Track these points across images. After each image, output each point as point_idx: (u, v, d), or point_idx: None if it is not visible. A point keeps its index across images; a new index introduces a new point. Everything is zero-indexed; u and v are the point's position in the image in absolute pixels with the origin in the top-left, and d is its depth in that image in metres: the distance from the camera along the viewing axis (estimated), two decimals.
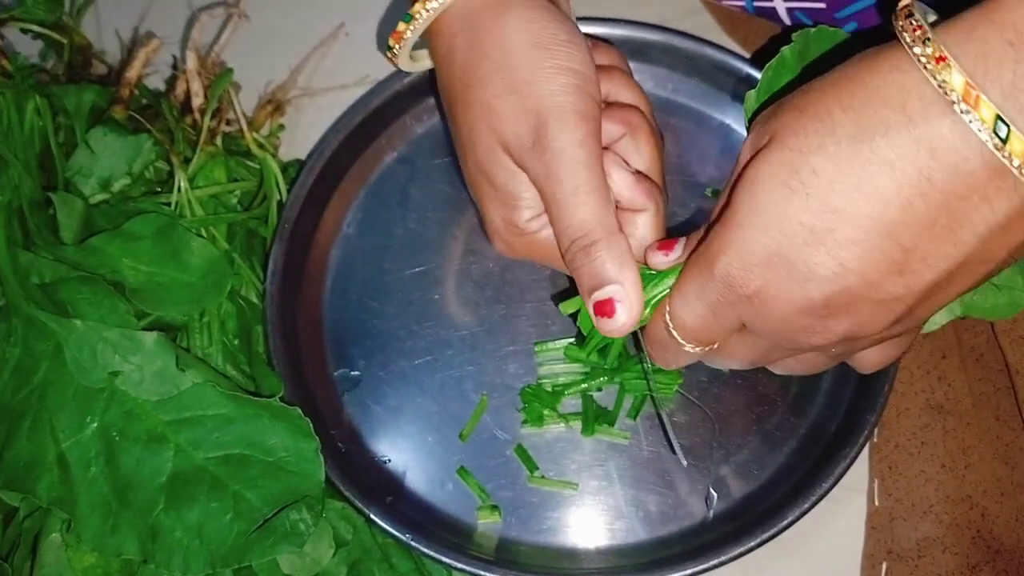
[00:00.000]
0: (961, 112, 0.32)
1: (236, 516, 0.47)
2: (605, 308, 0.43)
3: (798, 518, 0.51)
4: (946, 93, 0.33)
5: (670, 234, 0.47)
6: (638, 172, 0.47)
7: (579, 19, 0.60)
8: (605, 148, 0.46)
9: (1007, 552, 0.50)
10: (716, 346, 0.44)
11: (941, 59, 0.33)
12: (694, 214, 0.60)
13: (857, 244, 0.35)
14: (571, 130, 0.43)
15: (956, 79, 0.32)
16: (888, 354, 0.45)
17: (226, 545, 0.46)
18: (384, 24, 0.68)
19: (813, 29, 0.48)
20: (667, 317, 0.43)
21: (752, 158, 0.38)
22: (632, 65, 0.62)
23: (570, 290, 0.57)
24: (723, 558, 0.50)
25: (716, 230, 0.39)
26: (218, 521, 0.47)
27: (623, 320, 0.43)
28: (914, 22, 0.34)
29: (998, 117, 0.32)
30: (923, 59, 0.33)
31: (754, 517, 0.52)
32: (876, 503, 0.53)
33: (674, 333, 0.43)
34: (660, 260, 0.44)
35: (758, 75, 0.59)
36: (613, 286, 0.42)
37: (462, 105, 0.46)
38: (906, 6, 0.35)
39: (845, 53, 0.38)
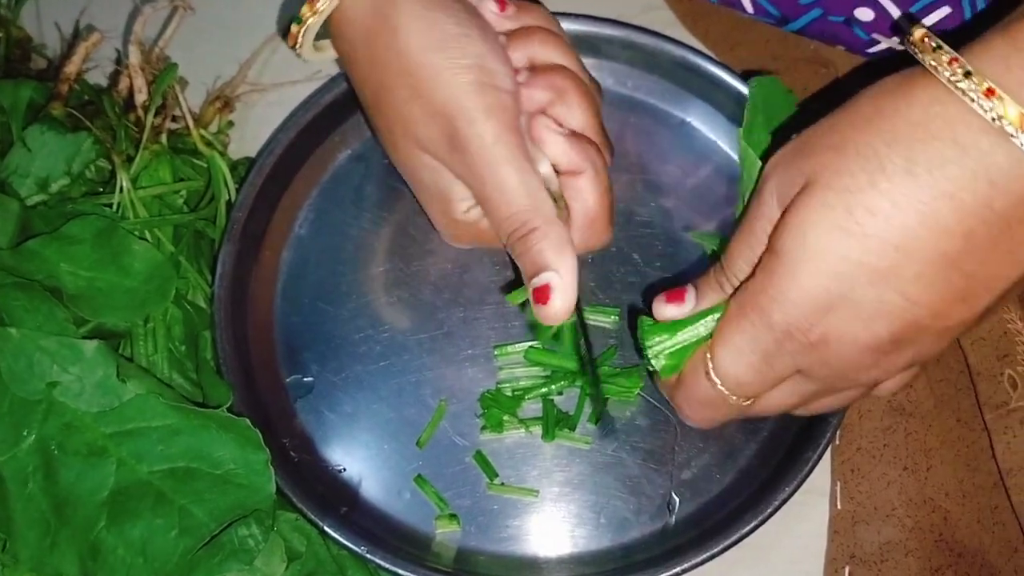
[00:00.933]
0: (1021, 143, 0.33)
1: (182, 532, 0.45)
2: (542, 294, 0.43)
3: (761, 523, 0.50)
4: (1002, 125, 0.33)
5: (666, 283, 0.46)
6: (573, 133, 0.47)
7: None
8: (538, 113, 0.46)
9: (969, 555, 0.50)
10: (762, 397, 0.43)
11: (991, 92, 0.33)
12: (670, 243, 0.58)
13: (922, 278, 0.35)
14: (482, 131, 0.43)
15: (1011, 111, 0.33)
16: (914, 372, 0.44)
17: (171, 563, 0.44)
18: None
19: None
20: (712, 374, 0.41)
21: (792, 203, 0.37)
22: (590, 61, 0.61)
23: (517, 280, 0.56)
24: (686, 564, 0.49)
25: (764, 280, 0.38)
26: (163, 538, 0.45)
27: (558, 306, 0.42)
28: (946, 54, 0.34)
29: None
30: (971, 94, 0.34)
31: (717, 522, 0.52)
32: (838, 506, 0.52)
33: (721, 388, 0.42)
34: (672, 312, 0.43)
35: (718, 72, 0.59)
36: (549, 273, 0.42)
37: (374, 111, 0.47)
38: (923, 35, 0.35)
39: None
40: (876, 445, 0.52)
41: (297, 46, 0.49)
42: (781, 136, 0.48)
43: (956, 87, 0.34)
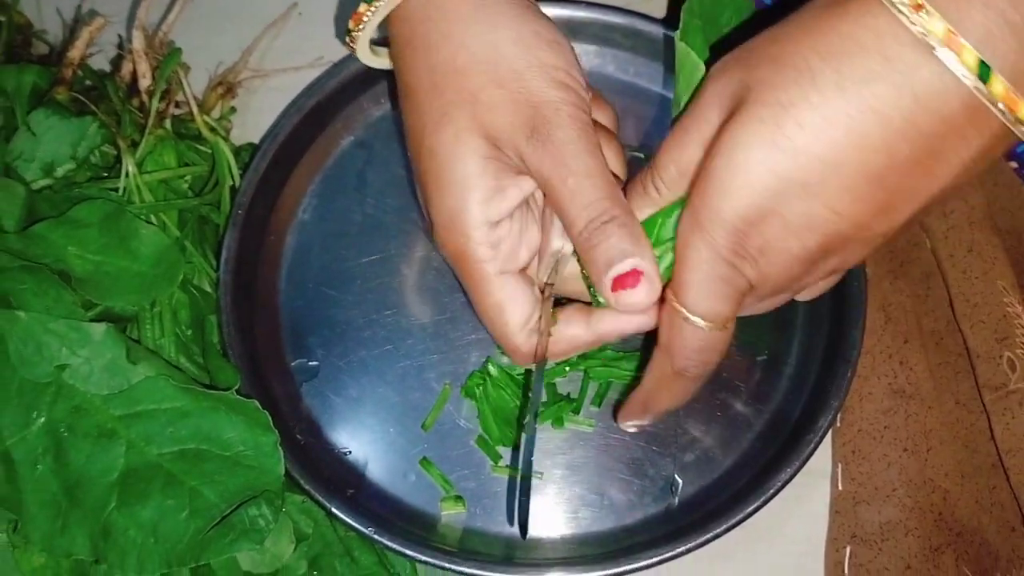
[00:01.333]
0: (944, 58, 0.33)
1: (192, 513, 0.45)
2: (626, 280, 0.41)
3: (762, 504, 0.51)
4: (927, 39, 0.33)
5: None
6: None
7: (542, 1, 0.59)
8: None
9: (968, 534, 0.51)
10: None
11: (919, 6, 0.33)
12: None
13: (848, 191, 0.36)
14: (569, 122, 0.42)
15: (937, 26, 0.33)
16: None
17: (182, 543, 0.45)
18: (339, 3, 0.66)
19: None
20: (690, 317, 0.41)
21: (729, 118, 0.37)
22: (594, 48, 0.62)
23: None
24: (688, 545, 0.50)
25: (702, 198, 0.38)
26: (174, 519, 0.45)
27: (644, 291, 0.41)
28: None
29: (981, 62, 0.33)
30: (900, 6, 0.34)
31: (719, 504, 0.52)
32: (840, 487, 0.53)
33: (700, 323, 0.41)
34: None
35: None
36: (634, 259, 0.41)
37: (429, 92, 0.44)
38: None
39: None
40: (877, 427, 0.53)
41: (358, 29, 0.47)
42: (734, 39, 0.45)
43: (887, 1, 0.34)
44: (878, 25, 0.34)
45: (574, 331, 0.46)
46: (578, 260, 0.44)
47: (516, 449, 0.54)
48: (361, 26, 0.47)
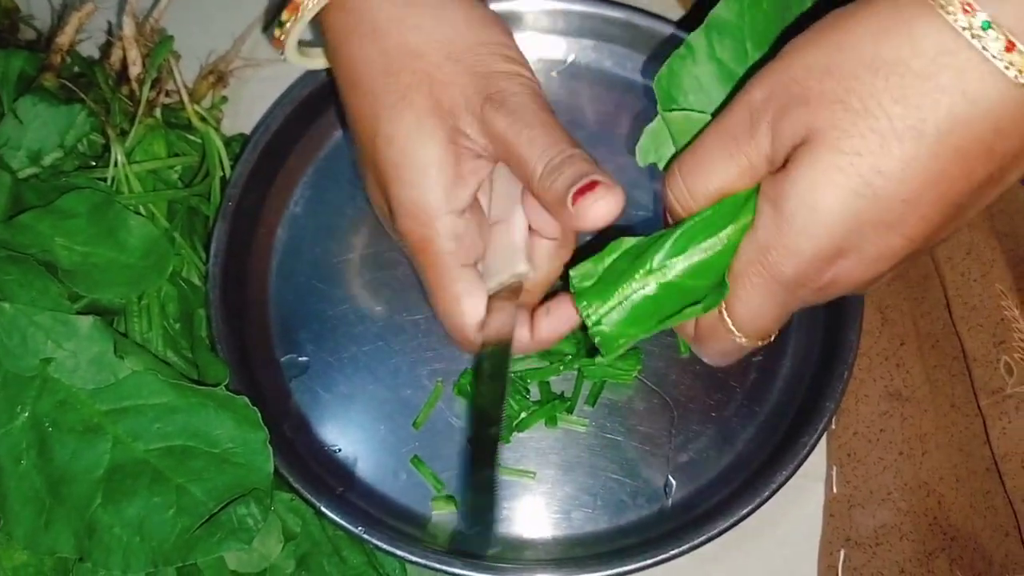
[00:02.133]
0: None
1: (179, 511, 0.44)
2: (587, 188, 0.41)
3: (757, 507, 0.50)
4: (1020, 80, 0.33)
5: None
6: None
7: None
8: None
9: (963, 539, 0.51)
10: None
11: (1011, 47, 0.33)
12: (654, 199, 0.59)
13: (924, 220, 0.36)
14: (522, 89, 0.44)
15: (1019, 61, 0.33)
16: None
17: (169, 542, 0.44)
18: None
19: None
20: (733, 330, 0.42)
21: (796, 159, 0.37)
22: (591, 43, 0.62)
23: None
24: (682, 547, 0.50)
25: (771, 237, 0.38)
26: (160, 516, 0.44)
27: (603, 201, 0.41)
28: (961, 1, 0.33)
29: None
30: (992, 51, 0.33)
31: (713, 505, 0.52)
32: (834, 490, 0.53)
33: (743, 340, 0.42)
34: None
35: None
36: (594, 175, 0.41)
37: (383, 79, 0.44)
38: None
39: None
40: (872, 430, 0.53)
41: (292, 20, 0.47)
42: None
43: (969, 41, 0.33)
44: (957, 64, 0.33)
45: (519, 334, 0.46)
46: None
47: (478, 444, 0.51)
48: (296, 16, 0.46)
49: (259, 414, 0.46)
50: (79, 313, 0.47)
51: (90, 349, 0.46)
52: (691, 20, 0.62)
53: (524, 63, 0.46)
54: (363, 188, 0.49)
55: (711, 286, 0.42)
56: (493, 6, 0.53)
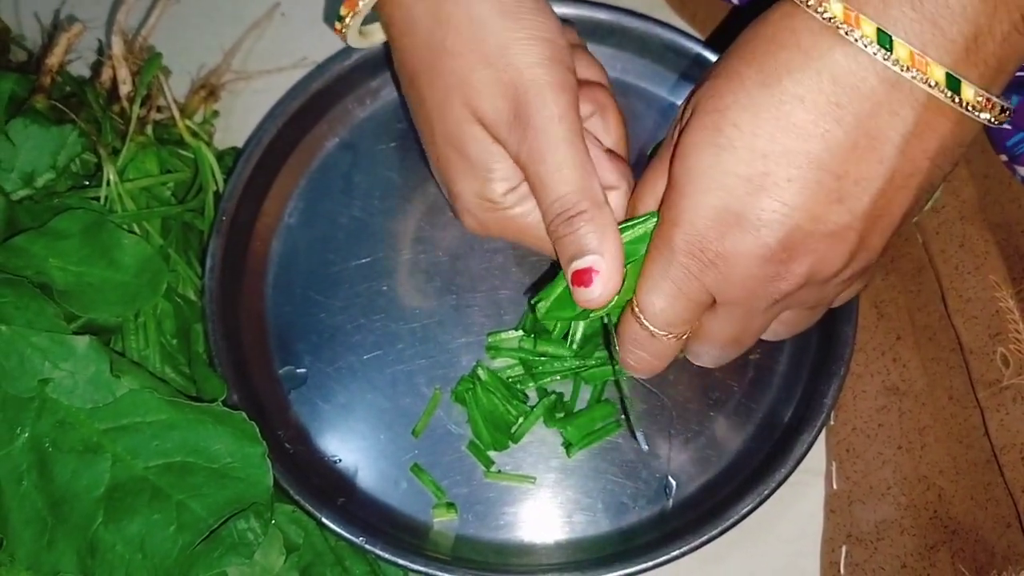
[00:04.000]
0: (845, 34, 0.35)
1: (180, 528, 0.44)
2: (582, 278, 0.43)
3: (758, 504, 0.50)
4: (831, 21, 0.35)
5: None
6: (608, 150, 0.47)
7: None
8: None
9: (963, 532, 0.51)
10: (692, 331, 0.44)
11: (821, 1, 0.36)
12: None
13: (793, 181, 0.37)
14: (551, 105, 0.43)
15: (835, 7, 0.35)
16: (853, 289, 0.45)
17: (170, 559, 0.44)
18: (321, 3, 0.66)
19: None
20: (636, 310, 0.43)
21: (681, 131, 0.40)
22: None
23: (534, 280, 0.56)
24: (684, 548, 0.50)
25: (664, 211, 0.41)
26: (161, 533, 0.44)
27: (599, 291, 0.42)
28: None
29: (879, 31, 0.35)
30: (809, 1, 0.36)
31: (714, 504, 0.52)
32: (834, 486, 0.53)
33: (647, 324, 0.43)
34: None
35: (708, 54, 0.59)
36: (593, 256, 0.42)
37: (428, 77, 0.45)
38: None
39: None
40: (871, 425, 0.53)
41: (351, 15, 0.47)
42: None
43: (805, 6, 0.36)
44: (794, 23, 0.37)
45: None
46: None
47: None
48: (356, 10, 0.47)
49: (257, 428, 0.47)
50: (75, 333, 0.47)
51: (87, 368, 0.46)
52: (720, 39, 0.62)
53: (557, 58, 0.44)
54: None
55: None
56: None
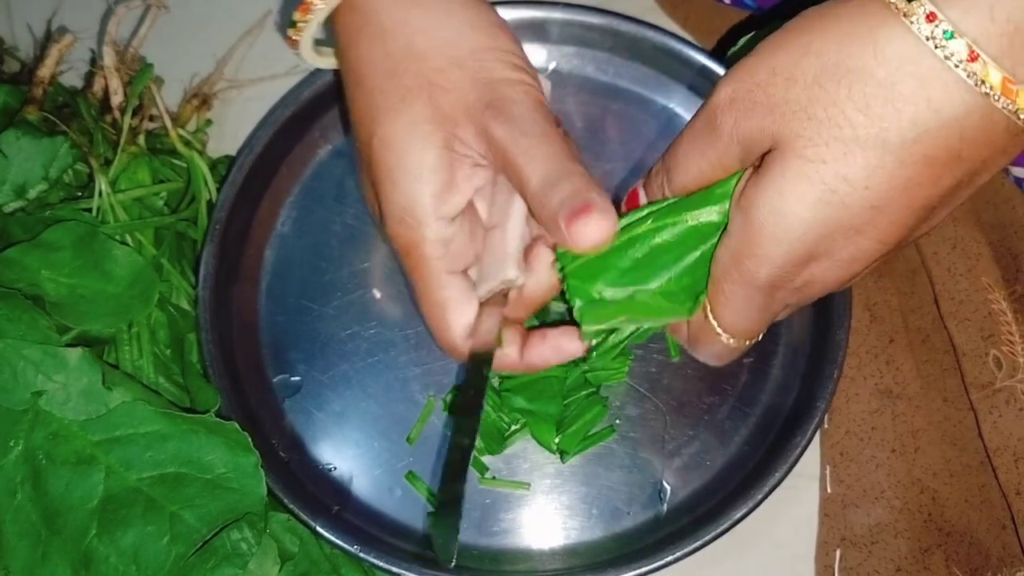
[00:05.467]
0: (1002, 106, 0.33)
1: (173, 539, 0.45)
2: (579, 211, 0.41)
3: (752, 509, 0.50)
4: (986, 91, 0.33)
5: None
6: None
7: (519, 3, 0.59)
8: None
9: (958, 534, 0.51)
10: None
11: (974, 57, 0.33)
12: None
13: (895, 224, 0.37)
14: (524, 98, 0.44)
15: (994, 76, 0.33)
16: None
17: (164, 570, 0.44)
18: None
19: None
20: (723, 335, 0.43)
21: (764, 168, 0.37)
22: (572, 49, 0.61)
23: None
24: (678, 553, 0.50)
25: (744, 245, 0.39)
26: (155, 545, 0.44)
27: (595, 223, 0.41)
28: (922, 6, 0.33)
29: None
30: (953, 60, 0.33)
31: (708, 509, 0.52)
32: (828, 490, 0.53)
33: (733, 342, 0.43)
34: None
35: (699, 57, 0.59)
36: (589, 195, 0.41)
37: (384, 80, 0.44)
38: None
39: None
40: (864, 428, 0.53)
41: (305, 20, 0.47)
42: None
43: (934, 52, 0.33)
44: (921, 73, 0.33)
45: (508, 351, 0.46)
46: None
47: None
48: (309, 16, 0.46)
49: (250, 438, 0.47)
50: (69, 345, 0.48)
51: (80, 380, 0.46)
52: (724, 45, 0.62)
53: (529, 70, 0.45)
54: (362, 193, 0.49)
55: (689, 288, 0.43)
56: None
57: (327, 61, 0.51)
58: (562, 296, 0.45)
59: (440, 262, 0.44)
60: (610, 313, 0.42)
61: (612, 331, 0.44)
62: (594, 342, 0.45)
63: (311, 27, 0.47)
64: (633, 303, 0.42)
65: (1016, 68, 0.33)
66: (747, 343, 0.44)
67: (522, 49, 0.46)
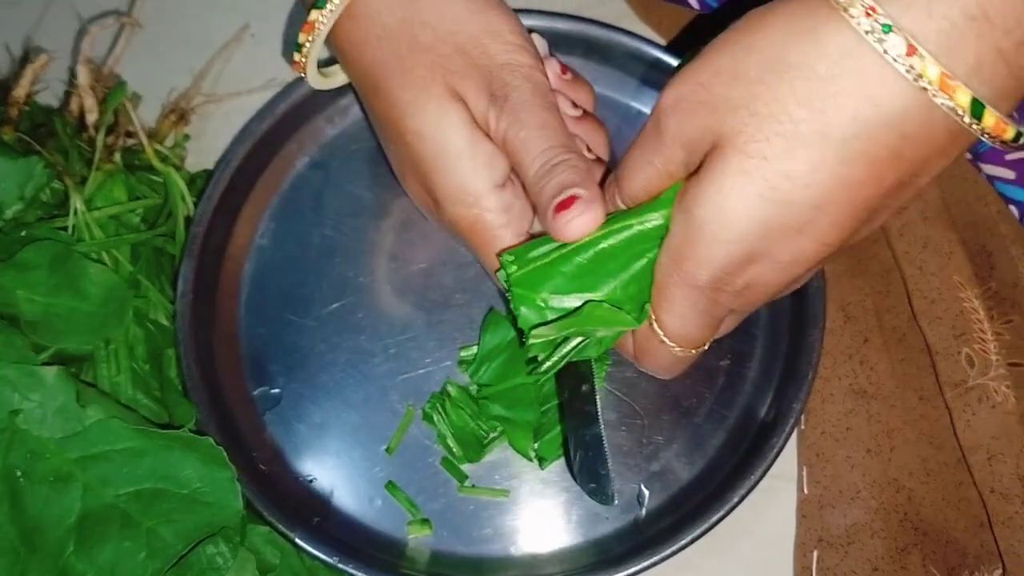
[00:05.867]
0: (940, 103, 0.33)
1: (150, 554, 0.45)
2: (565, 203, 0.42)
3: (730, 510, 0.50)
4: (924, 86, 0.33)
5: None
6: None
7: None
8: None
9: (934, 533, 0.51)
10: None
11: (912, 51, 0.32)
12: None
13: (836, 225, 0.36)
14: (524, 83, 0.45)
15: (932, 71, 0.32)
16: None
17: None
18: (291, 24, 0.66)
19: None
20: (666, 341, 0.42)
21: (706, 167, 0.37)
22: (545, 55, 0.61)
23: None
24: (658, 556, 0.50)
25: (686, 246, 0.39)
26: (131, 561, 0.45)
27: (579, 214, 0.41)
28: (864, 2, 0.33)
29: (974, 101, 0.33)
30: (892, 54, 0.33)
31: (687, 512, 0.52)
32: (805, 491, 0.53)
33: (671, 344, 0.43)
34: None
35: (673, 61, 0.59)
36: (576, 188, 0.42)
37: (400, 78, 0.45)
38: None
39: None
40: (839, 428, 0.53)
41: (310, 40, 0.47)
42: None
43: (872, 44, 0.33)
44: (861, 67, 0.33)
45: None
46: None
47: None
48: (313, 36, 0.47)
49: (225, 452, 0.47)
50: (46, 363, 0.48)
51: (56, 399, 0.47)
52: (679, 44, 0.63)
53: (527, 48, 0.46)
54: (406, 191, 0.51)
55: (635, 297, 0.42)
56: None
57: (333, 81, 0.52)
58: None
59: (505, 230, 0.46)
60: (555, 322, 0.42)
61: (561, 341, 0.44)
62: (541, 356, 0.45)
63: (316, 47, 0.48)
64: (580, 313, 0.42)
65: (954, 64, 0.32)
66: (693, 352, 0.43)
67: (520, 25, 0.47)
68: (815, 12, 0.34)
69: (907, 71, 0.33)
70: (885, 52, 0.33)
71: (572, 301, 0.42)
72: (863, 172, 0.35)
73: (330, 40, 0.48)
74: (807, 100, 0.34)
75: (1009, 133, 0.34)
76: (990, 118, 0.33)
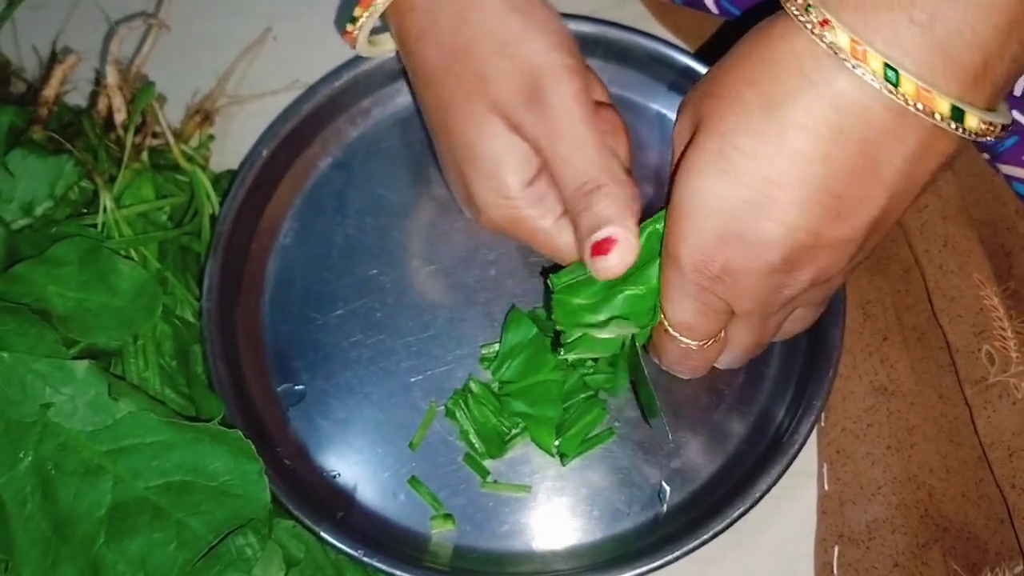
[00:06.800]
0: (852, 67, 0.35)
1: (180, 545, 0.45)
2: (602, 247, 0.44)
3: (751, 507, 0.51)
4: (836, 52, 0.35)
5: None
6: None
7: None
8: None
9: (955, 529, 0.51)
10: (721, 337, 0.45)
11: (825, 22, 0.35)
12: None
13: (795, 203, 0.38)
14: (565, 85, 0.45)
15: (841, 38, 0.35)
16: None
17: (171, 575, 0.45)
18: (312, 26, 0.67)
19: None
20: (669, 329, 0.45)
21: (685, 148, 0.40)
22: None
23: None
24: (678, 552, 0.50)
25: (669, 225, 0.41)
26: (162, 551, 0.45)
27: (616, 260, 0.44)
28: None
29: (886, 65, 0.35)
30: (809, 25, 0.36)
31: (707, 508, 0.52)
32: (826, 488, 0.53)
33: (679, 337, 0.45)
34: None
35: (692, 63, 0.59)
36: (613, 227, 0.43)
37: (446, 77, 0.47)
38: None
39: None
40: (860, 425, 0.53)
41: (366, 14, 0.49)
42: None
43: (798, 20, 0.36)
44: (795, 46, 0.36)
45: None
46: None
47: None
48: (369, 12, 0.48)
49: (253, 445, 0.48)
50: (75, 358, 0.49)
51: (87, 392, 0.47)
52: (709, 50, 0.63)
53: (567, 47, 0.47)
54: (447, 184, 0.53)
55: (655, 292, 0.45)
56: None
57: (380, 49, 0.54)
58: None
59: (543, 220, 0.48)
60: (588, 320, 0.45)
61: (595, 343, 0.47)
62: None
63: (370, 22, 0.49)
64: (608, 307, 0.45)
65: (870, 36, 0.35)
66: (697, 345, 0.45)
67: (562, 23, 0.47)
68: (773, 15, 0.38)
69: (822, 41, 0.35)
70: (804, 25, 0.36)
71: (600, 299, 0.46)
72: (807, 146, 0.36)
73: (386, 18, 0.49)
74: (753, 80, 0.38)
75: (939, 105, 0.35)
76: (908, 84, 0.34)
